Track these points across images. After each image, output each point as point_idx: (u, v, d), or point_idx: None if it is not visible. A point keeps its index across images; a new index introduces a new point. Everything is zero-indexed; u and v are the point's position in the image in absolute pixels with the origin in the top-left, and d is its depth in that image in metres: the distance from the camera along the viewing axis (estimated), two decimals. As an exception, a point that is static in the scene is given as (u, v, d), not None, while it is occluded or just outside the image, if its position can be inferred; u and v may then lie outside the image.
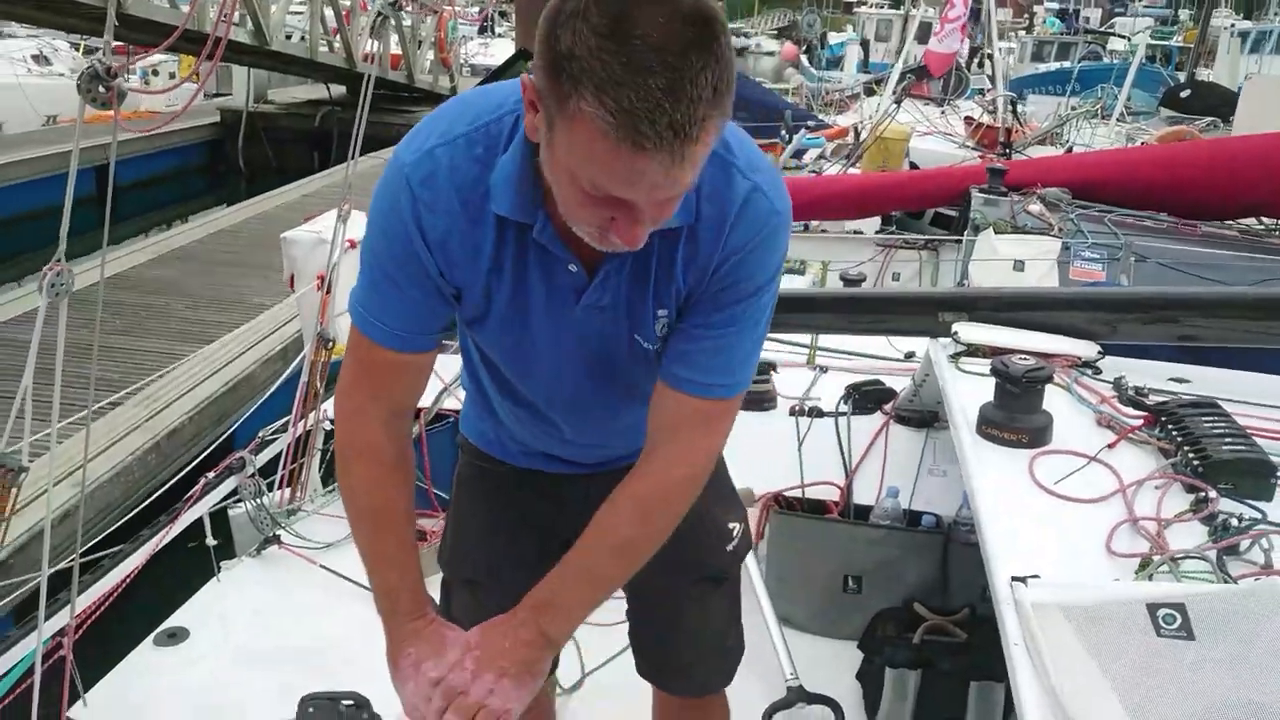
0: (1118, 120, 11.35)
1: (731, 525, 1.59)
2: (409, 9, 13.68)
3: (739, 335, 1.21)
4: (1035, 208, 5.16)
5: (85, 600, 2.25)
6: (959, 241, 5.50)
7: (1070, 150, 9.39)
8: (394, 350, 1.22)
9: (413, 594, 1.28)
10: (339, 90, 15.53)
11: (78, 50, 15.93)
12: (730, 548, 1.58)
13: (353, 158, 2.69)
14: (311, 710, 2.14)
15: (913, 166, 8.65)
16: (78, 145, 1.52)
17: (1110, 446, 1.85)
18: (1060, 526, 1.59)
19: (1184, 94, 12.79)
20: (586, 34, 0.90)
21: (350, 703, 2.16)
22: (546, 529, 1.48)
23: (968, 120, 10.77)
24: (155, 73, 14.28)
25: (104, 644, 2.41)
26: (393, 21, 2.99)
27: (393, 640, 1.27)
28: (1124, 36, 21.36)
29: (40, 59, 14.96)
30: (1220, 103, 11.57)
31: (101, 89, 1.44)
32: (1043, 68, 20.06)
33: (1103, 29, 25.89)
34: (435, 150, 1.13)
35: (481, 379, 1.40)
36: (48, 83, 14.24)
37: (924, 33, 12.98)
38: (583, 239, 1.08)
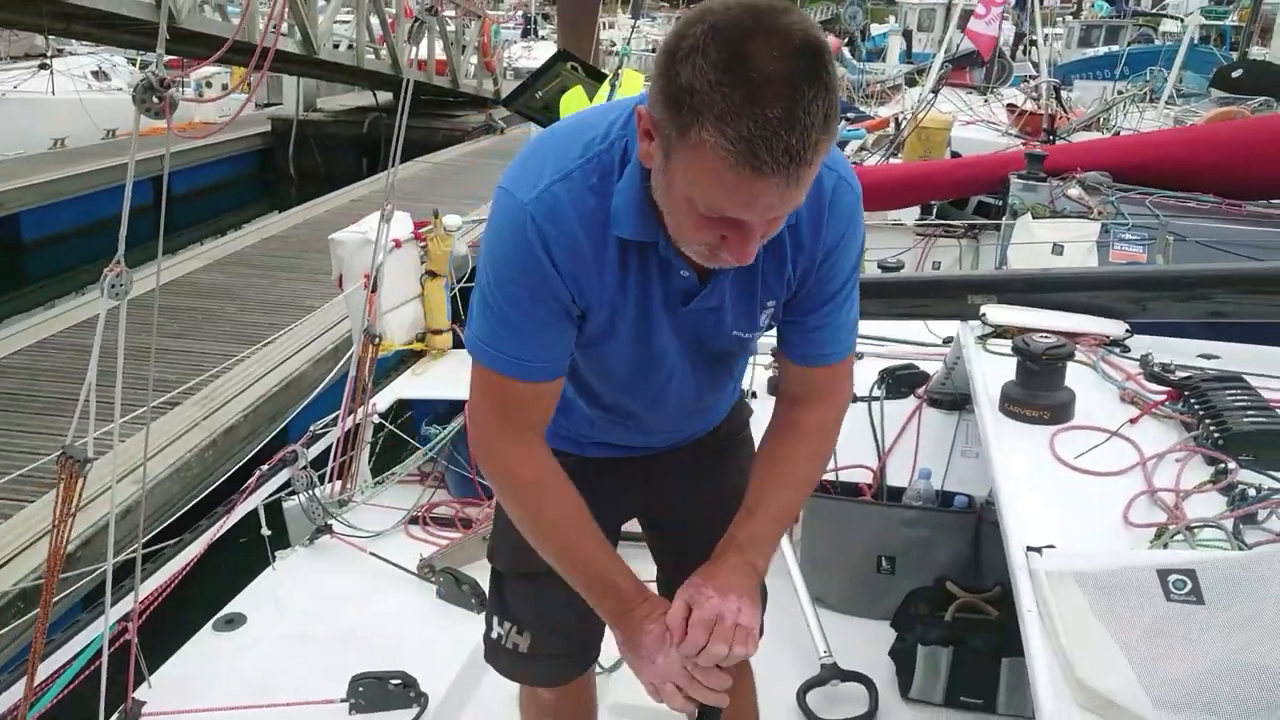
0: (1166, 103, 11.12)
1: None
2: (449, 15, 13.83)
3: (849, 308, 1.36)
4: (1074, 191, 5.11)
5: (148, 588, 2.36)
6: (998, 228, 5.48)
7: (1117, 135, 9.23)
8: (538, 382, 1.27)
9: (636, 585, 1.34)
10: (386, 97, 15.77)
11: (134, 65, 16.37)
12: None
13: (394, 162, 2.78)
14: (362, 689, 2.25)
15: (954, 155, 8.58)
16: (134, 153, 1.61)
17: (1132, 422, 1.87)
18: (1079, 499, 1.62)
19: (1236, 74, 12.46)
20: (706, 69, 0.97)
21: (398, 682, 2.27)
22: (609, 510, 1.52)
23: (1010, 108, 10.63)
24: (209, 84, 14.64)
25: (166, 630, 2.53)
26: (436, 28, 3.07)
27: (631, 630, 1.31)
28: (1176, 17, 20.87)
29: (100, 75, 15.40)
30: (1274, 82, 11.24)
31: (155, 99, 1.53)
32: (1090, 53, 19.69)
33: (1154, 10, 25.31)
34: (554, 187, 1.18)
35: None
36: (107, 98, 14.64)
37: (966, 21, 12.83)
38: (698, 260, 1.16)
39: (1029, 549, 1.39)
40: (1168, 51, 12.59)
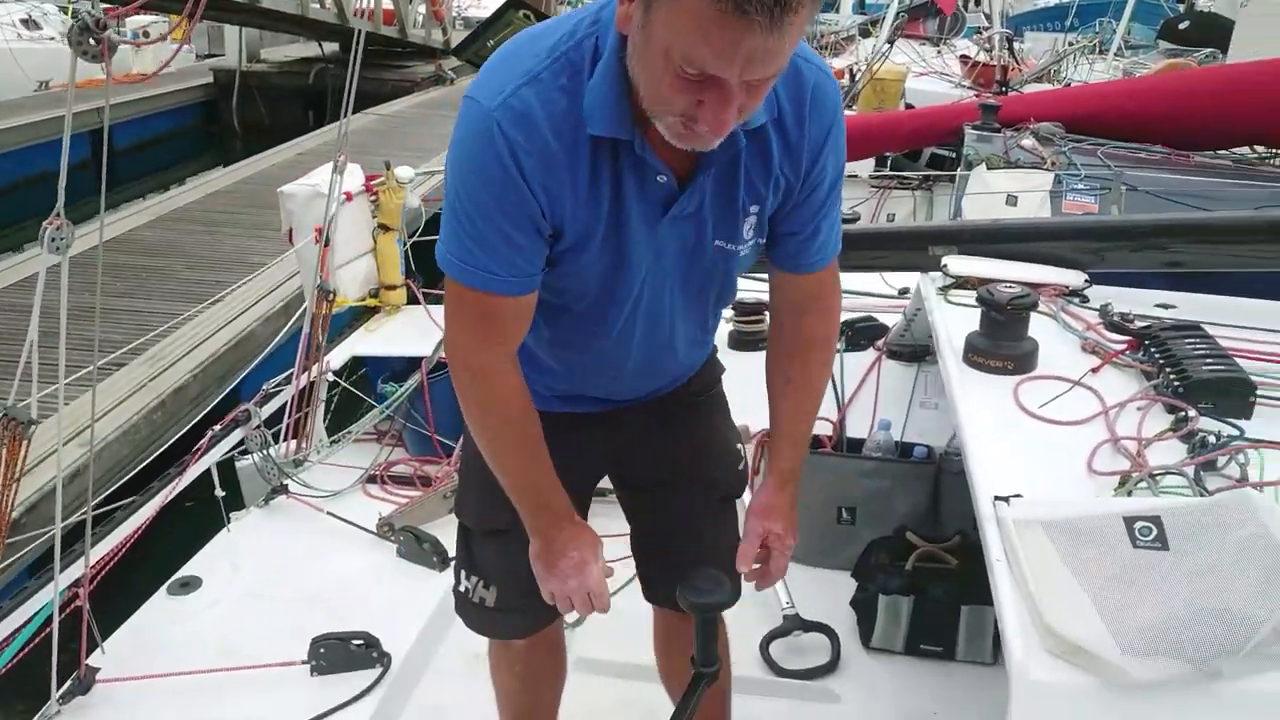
0: (1115, 55, 11.21)
1: (739, 447, 1.67)
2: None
3: (837, 209, 1.38)
4: (1028, 142, 5.14)
5: (98, 553, 2.30)
6: (951, 178, 5.50)
7: (1068, 86, 9.30)
8: (514, 295, 1.24)
9: (569, 506, 1.41)
10: (332, 48, 15.35)
11: (66, 13, 15.73)
12: (740, 468, 1.66)
13: (346, 112, 2.70)
14: (323, 650, 2.22)
15: (909, 108, 8.58)
16: (71, 99, 1.53)
17: (1094, 371, 1.88)
18: (1044, 448, 1.63)
19: (1183, 25, 12.60)
20: None
21: (360, 642, 2.25)
22: (580, 466, 1.53)
23: (963, 59, 10.64)
24: (146, 34, 14.12)
25: (119, 595, 2.47)
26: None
27: (552, 546, 1.39)
28: (1124, -32, 20.97)
29: (30, 23, 14.78)
30: (1220, 33, 11.36)
31: (92, 41, 1.44)
32: (1041, 4, 19.74)
33: (1102, -39, 25.40)
34: (520, 91, 1.13)
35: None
36: (39, 47, 14.09)
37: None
38: (670, 139, 1.11)
39: (996, 498, 1.40)
40: (1116, 3, 12.65)
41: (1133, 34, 12.50)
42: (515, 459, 1.38)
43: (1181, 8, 15.08)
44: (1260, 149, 5.84)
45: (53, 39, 14.48)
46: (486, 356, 1.31)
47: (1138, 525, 1.28)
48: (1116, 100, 5.96)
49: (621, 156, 1.18)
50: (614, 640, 2.12)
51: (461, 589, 1.62)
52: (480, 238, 1.20)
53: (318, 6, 13.59)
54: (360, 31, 2.57)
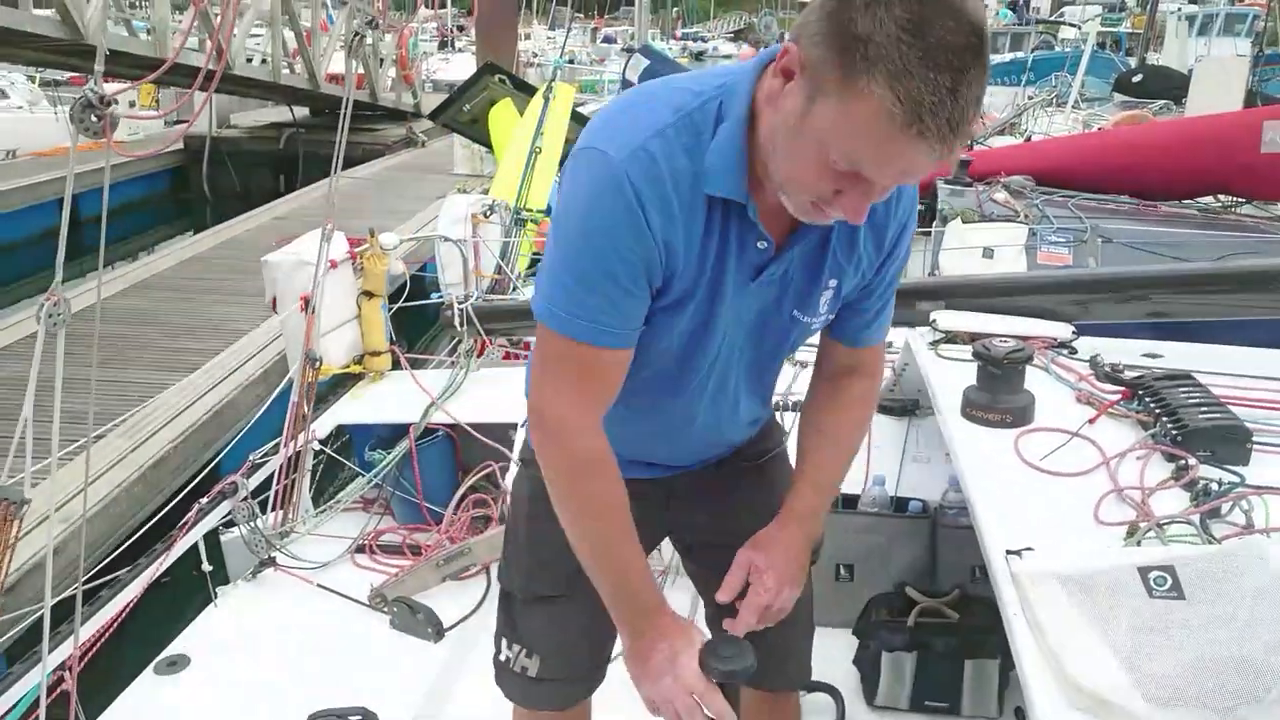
0: (1073, 107, 11.53)
1: None
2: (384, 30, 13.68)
3: (894, 291, 1.41)
4: (1000, 196, 5.26)
5: (85, 633, 2.24)
6: (927, 233, 5.60)
7: (1029, 139, 9.54)
8: (616, 349, 1.23)
9: (660, 596, 1.34)
10: (302, 112, 15.46)
11: (33, 82, 15.75)
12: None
13: (335, 178, 2.71)
14: (319, 727, 2.17)
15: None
16: (71, 170, 1.53)
17: (1091, 422, 1.91)
18: (1049, 500, 1.64)
19: (1136, 79, 13.00)
20: (888, 23, 0.97)
21: (358, 717, 2.19)
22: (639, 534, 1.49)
23: (929, 114, 10.87)
24: (114, 101, 14.14)
25: (104, 675, 2.40)
26: (369, 41, 3.01)
27: (643, 639, 1.31)
28: (1075, 25, 21.69)
29: (-3, 93, 14.79)
30: (1172, 85, 11.78)
31: (94, 118, 1.45)
32: (997, 59, 20.29)
33: (1053, 18, 26.23)
34: (648, 143, 1.15)
35: None
36: (6, 116, 14.05)
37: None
38: (794, 212, 1.15)
39: (1008, 552, 1.40)
40: (1072, 57, 13.05)
41: (1088, 87, 12.87)
42: (605, 531, 1.31)
43: (1133, 62, 15.55)
44: (1223, 198, 6.01)
45: (20, 108, 14.46)
46: (584, 411, 1.26)
47: (1152, 575, 1.28)
48: (1084, 153, 6.14)
49: (731, 219, 1.21)
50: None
51: (502, 658, 1.58)
52: (594, 288, 1.18)
53: (289, 72, 13.70)
54: (349, 99, 2.59)
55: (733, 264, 1.23)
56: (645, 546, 1.47)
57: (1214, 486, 1.59)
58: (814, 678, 2.35)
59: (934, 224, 5.29)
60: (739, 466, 1.56)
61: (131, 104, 13.37)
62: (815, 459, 1.45)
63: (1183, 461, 1.68)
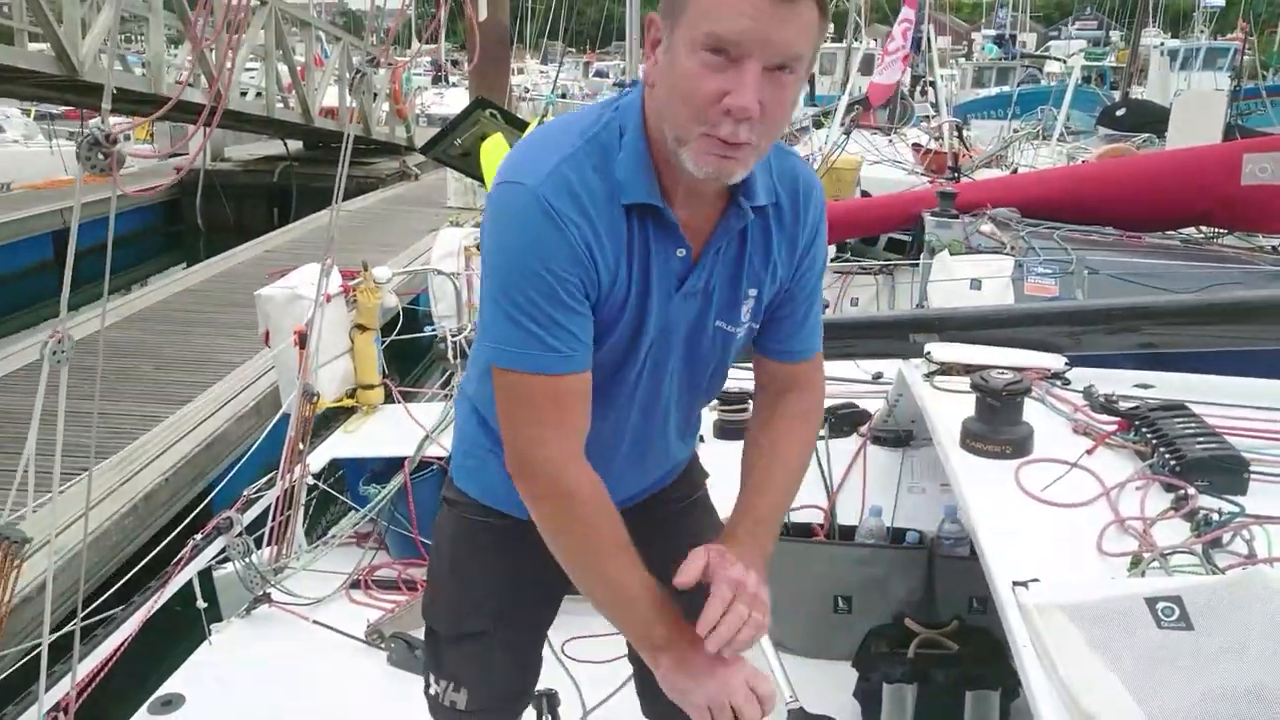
0: (1058, 140, 11.69)
1: None
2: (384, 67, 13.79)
3: (819, 304, 1.44)
4: (987, 228, 5.30)
5: (80, 671, 2.21)
6: (914, 265, 5.64)
7: (1015, 171, 9.66)
8: (577, 373, 1.22)
9: (670, 606, 1.28)
10: (295, 145, 15.50)
11: (28, 116, 15.79)
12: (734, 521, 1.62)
13: (335, 214, 2.73)
14: (319, 765, 2.15)
15: (864, 195, 8.83)
16: (78, 206, 1.54)
17: (1089, 452, 1.92)
18: (1052, 531, 1.65)
19: (1119, 112, 13.21)
20: None
21: (357, 755, 2.17)
22: (555, 571, 1.44)
23: (915, 147, 11.02)
24: (120, 139, 14.18)
25: (98, 715, 2.37)
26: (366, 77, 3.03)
27: (671, 651, 1.26)
28: (1060, 59, 22.02)
29: (-8, 127, 14.84)
30: (1154, 119, 11.96)
31: (101, 156, 1.46)
32: (983, 93, 20.57)
33: (1039, 53, 26.63)
34: (560, 167, 1.19)
35: None
36: (3, 150, 14.09)
37: (867, 64, 13.28)
38: (698, 167, 1.16)
39: (1015, 584, 1.41)
40: (1057, 91, 13.25)
41: (1072, 120, 13.06)
42: (615, 564, 1.26)
43: (1116, 95, 15.79)
44: (1205, 229, 6.08)
45: (15, 142, 14.48)
46: (565, 445, 1.23)
47: (1160, 606, 1.29)
48: (1068, 185, 6.21)
49: (649, 227, 1.24)
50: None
51: (431, 692, 1.60)
52: (538, 316, 1.19)
53: (283, 107, 13.77)
54: (349, 135, 2.60)
55: (656, 274, 1.26)
56: (567, 588, 1.41)
57: (1214, 516, 1.60)
58: (814, 710, 2.35)
59: (921, 256, 5.33)
60: (663, 512, 1.54)
61: (127, 138, 13.39)
62: (758, 473, 1.41)
63: (1182, 491, 1.70)
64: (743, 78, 1.11)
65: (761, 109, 1.12)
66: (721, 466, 1.69)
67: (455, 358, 3.80)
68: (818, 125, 13.49)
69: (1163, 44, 19.18)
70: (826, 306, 5.49)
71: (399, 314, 4.18)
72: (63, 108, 14.45)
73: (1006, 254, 5.05)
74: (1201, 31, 23.46)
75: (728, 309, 1.33)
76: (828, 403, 3.28)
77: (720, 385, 1.48)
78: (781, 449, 1.42)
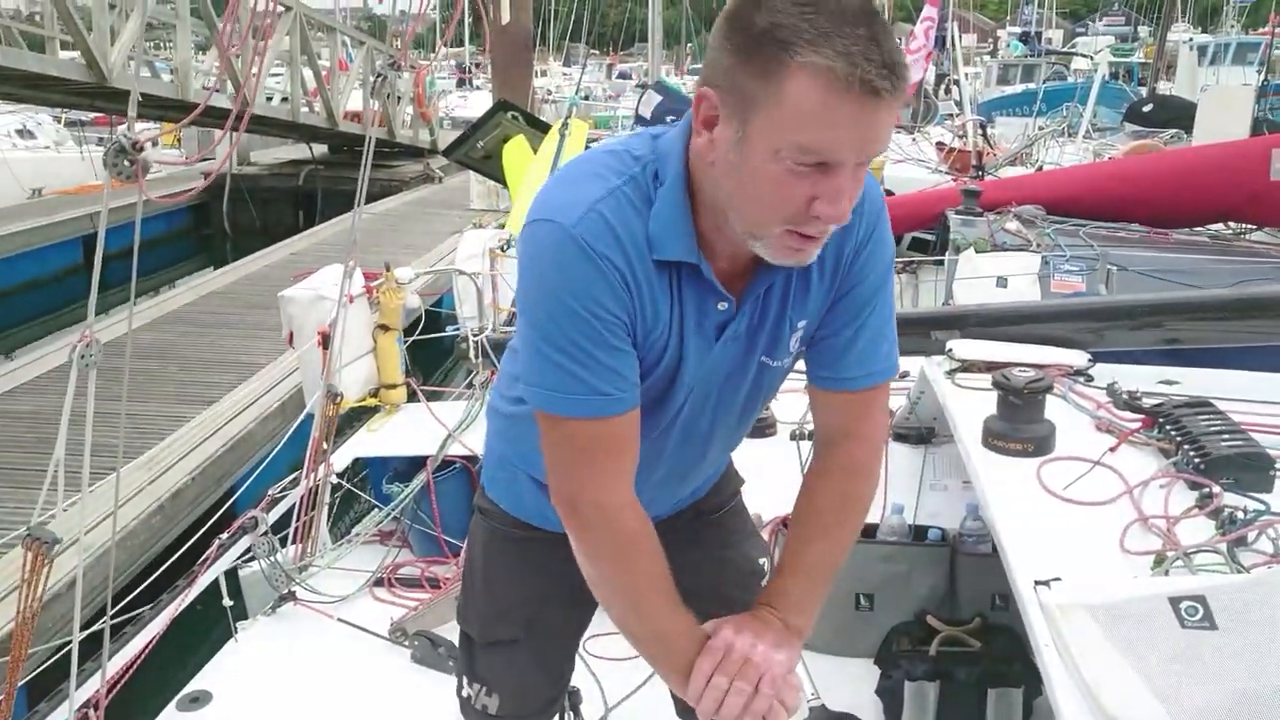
0: (1084, 137, 11.58)
1: (761, 561, 1.63)
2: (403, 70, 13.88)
3: (885, 321, 1.28)
4: (1012, 225, 5.27)
5: (109, 669, 2.24)
6: (938, 263, 5.61)
7: (1040, 169, 9.58)
8: (626, 413, 1.17)
9: (698, 635, 1.24)
10: (320, 149, 15.64)
11: (59, 122, 16.02)
12: (764, 584, 1.57)
13: (357, 216, 2.75)
14: (343, 762, 2.16)
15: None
16: (105, 214, 1.56)
17: (1112, 450, 1.90)
18: (1074, 530, 1.63)
19: (1146, 108, 13.05)
20: (784, 5, 0.99)
21: (382, 752, 2.19)
22: (584, 583, 1.45)
23: (939, 145, 10.95)
24: (146, 145, 14.36)
25: (127, 712, 2.40)
26: (388, 80, 3.06)
27: (702, 670, 1.20)
28: (1086, 56, 21.82)
29: (24, 133, 15.03)
30: (1182, 115, 11.81)
31: (127, 162, 1.49)
32: (1008, 90, 20.40)
33: (1065, 49, 26.39)
34: (598, 206, 1.12)
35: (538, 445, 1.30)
36: (33, 156, 14.30)
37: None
38: (772, 255, 1.11)
39: (1037, 583, 1.40)
40: (1082, 88, 13.12)
41: (1099, 117, 12.92)
42: (654, 604, 1.22)
43: (1144, 91, 15.61)
44: (1234, 225, 6.01)
45: (47, 148, 14.70)
46: (616, 488, 1.19)
47: (1184, 605, 1.28)
48: (1094, 182, 6.16)
49: (685, 282, 1.17)
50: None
51: (464, 695, 1.61)
52: (581, 358, 1.13)
53: (307, 111, 13.89)
54: (370, 138, 2.63)
55: (692, 326, 1.20)
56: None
57: (1240, 514, 1.59)
58: (836, 708, 2.34)
59: (947, 254, 5.30)
60: (699, 523, 1.52)
61: (154, 144, 13.55)
62: (789, 541, 1.33)
63: (1206, 489, 1.68)
64: (838, 185, 1.03)
65: (851, 197, 1.07)
66: (747, 464, 1.68)
67: (477, 357, 3.81)
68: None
69: (1191, 39, 18.94)
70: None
71: (422, 315, 4.20)
72: (93, 114, 14.65)
73: (1032, 251, 5.02)
74: (1232, 26, 23.18)
75: (772, 346, 1.26)
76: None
77: (765, 406, 1.43)
78: (817, 516, 1.32)
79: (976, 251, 5.02)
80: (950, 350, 2.52)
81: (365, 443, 3.54)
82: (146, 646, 2.40)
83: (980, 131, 10.24)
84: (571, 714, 1.94)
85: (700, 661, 1.19)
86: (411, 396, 3.78)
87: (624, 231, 1.13)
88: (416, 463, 3.24)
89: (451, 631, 2.65)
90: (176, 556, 2.85)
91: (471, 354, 3.81)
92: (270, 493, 3.10)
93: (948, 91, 14.37)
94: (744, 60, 1.01)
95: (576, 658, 1.68)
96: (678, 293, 1.18)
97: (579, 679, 1.95)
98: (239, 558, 2.86)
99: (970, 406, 2.14)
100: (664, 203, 1.14)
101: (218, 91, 9.11)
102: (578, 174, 1.18)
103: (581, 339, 1.13)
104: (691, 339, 1.21)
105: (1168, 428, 1.90)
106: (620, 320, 1.14)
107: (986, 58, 26.79)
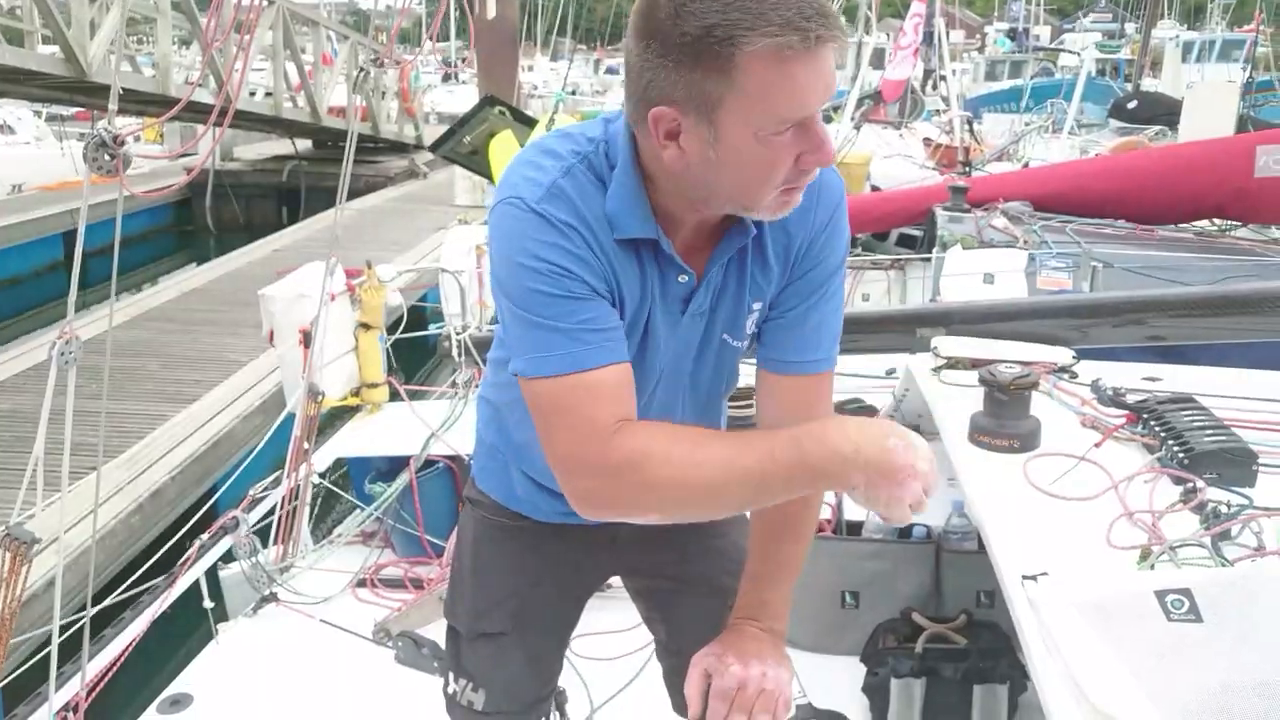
0: (1069, 133, 11.62)
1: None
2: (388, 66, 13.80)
3: (834, 312, 1.30)
4: (999, 222, 5.28)
5: (89, 671, 2.22)
6: (926, 260, 5.62)
7: (1027, 165, 9.60)
8: (618, 362, 1.15)
9: (809, 437, 1.13)
10: (304, 145, 15.56)
11: (39, 117, 15.88)
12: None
13: (339, 213, 2.72)
14: (326, 763, 2.14)
15: (875, 189, 8.79)
16: (85, 209, 1.53)
17: (1097, 446, 1.90)
18: (1060, 525, 1.63)
19: (1131, 105, 13.10)
20: (704, 7, 1.01)
21: (364, 753, 2.17)
22: (574, 574, 1.51)
23: (926, 141, 10.97)
24: (127, 140, 14.27)
25: (106, 714, 2.38)
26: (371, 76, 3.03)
27: (847, 473, 1.11)
28: (1073, 52, 21.91)
29: (4, 128, 14.90)
30: (1166, 111, 11.87)
31: (107, 157, 1.46)
32: (996, 86, 20.48)
33: (1053, 46, 26.49)
34: (559, 182, 1.15)
35: (529, 434, 1.26)
36: (13, 152, 14.18)
37: (878, 58, 13.23)
38: (768, 215, 1.14)
39: (1024, 578, 1.39)
40: (1069, 84, 13.18)
41: (1085, 113, 12.97)
42: (725, 453, 1.11)
43: (1129, 88, 15.68)
44: (1219, 222, 6.04)
45: (27, 144, 14.57)
46: (618, 434, 1.12)
47: (1169, 599, 1.27)
48: (1080, 179, 6.17)
49: (646, 257, 1.20)
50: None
51: (450, 691, 1.59)
52: (561, 312, 1.12)
53: (291, 106, 13.81)
54: (353, 132, 2.60)
55: (657, 301, 1.22)
56: (592, 586, 1.48)
57: (1223, 509, 1.59)
58: (823, 705, 2.33)
59: (934, 250, 5.31)
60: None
61: (136, 139, 13.46)
62: (756, 544, 1.34)
63: (1190, 484, 1.68)
64: (815, 133, 1.08)
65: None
66: None
67: (461, 356, 3.79)
68: (827, 120, 13.46)
69: (1177, 36, 19.04)
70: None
71: (404, 313, 4.17)
72: (73, 109, 14.53)
73: (1019, 248, 5.02)
74: (1218, 23, 23.32)
75: (733, 322, 1.29)
76: (836, 398, 3.29)
77: (731, 389, 1.44)
78: (781, 516, 1.31)
79: (964, 248, 5.02)
80: (936, 347, 2.52)
81: (347, 442, 3.51)
82: (127, 648, 2.37)
83: (967, 127, 10.26)
84: (558, 714, 1.93)
85: (714, 703, 1.21)
86: (394, 396, 3.76)
87: (584, 206, 1.15)
88: (399, 462, 3.21)
89: (435, 632, 2.64)
90: (157, 557, 2.82)
91: (455, 352, 3.79)
92: (251, 493, 3.08)
93: (934, 87, 14.40)
94: (689, 68, 1.03)
95: (565, 659, 1.66)
96: (640, 268, 1.20)
97: (565, 679, 1.94)
98: (220, 558, 2.84)
99: (956, 403, 2.14)
100: (618, 183, 1.17)
101: (200, 86, 9.03)
102: (535, 155, 1.20)
103: (554, 294, 1.13)
104: (658, 314, 1.23)
105: (1152, 424, 1.90)
106: (590, 278, 1.15)
107: (974, 54, 26.87)
